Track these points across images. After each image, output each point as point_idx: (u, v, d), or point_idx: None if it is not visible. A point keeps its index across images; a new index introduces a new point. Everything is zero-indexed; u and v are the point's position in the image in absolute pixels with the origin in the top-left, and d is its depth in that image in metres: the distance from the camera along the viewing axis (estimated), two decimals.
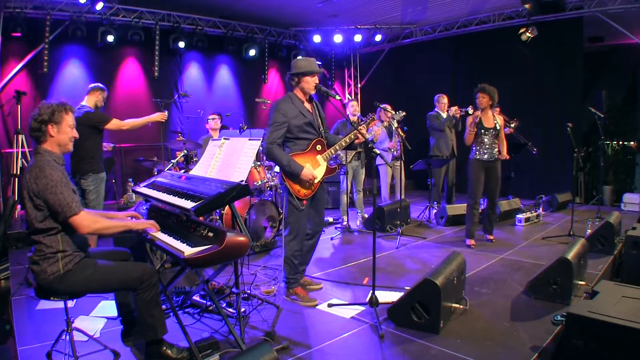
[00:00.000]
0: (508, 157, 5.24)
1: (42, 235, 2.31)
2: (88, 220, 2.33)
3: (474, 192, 5.20)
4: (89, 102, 4.42)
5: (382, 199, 6.83)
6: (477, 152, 5.12)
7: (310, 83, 3.47)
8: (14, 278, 4.04)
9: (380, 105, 5.39)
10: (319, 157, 3.53)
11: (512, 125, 7.06)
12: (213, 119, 5.95)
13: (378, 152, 3.26)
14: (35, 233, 2.32)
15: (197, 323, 3.13)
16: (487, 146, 5.09)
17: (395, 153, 6.41)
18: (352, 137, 3.60)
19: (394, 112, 5.19)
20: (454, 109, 6.27)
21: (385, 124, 6.49)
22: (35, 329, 3.03)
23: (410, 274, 4.28)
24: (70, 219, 2.28)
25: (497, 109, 7.25)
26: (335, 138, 3.67)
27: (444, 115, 6.75)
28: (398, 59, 10.53)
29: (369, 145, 3.33)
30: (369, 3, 8.08)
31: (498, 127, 5.12)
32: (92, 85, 4.56)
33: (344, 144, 3.60)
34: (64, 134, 2.43)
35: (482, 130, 5.07)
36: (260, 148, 3.28)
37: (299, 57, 3.60)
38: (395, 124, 6.49)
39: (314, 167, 3.48)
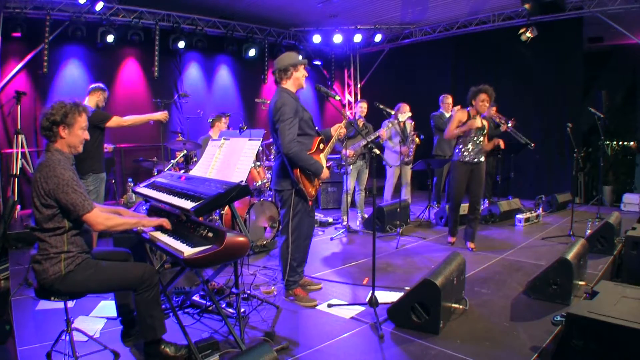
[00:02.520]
0: (490, 146, 4.95)
1: (48, 234, 2.31)
2: (102, 217, 2.36)
3: (454, 195, 4.99)
4: (90, 102, 4.46)
5: (384, 199, 6.81)
6: (461, 154, 4.87)
7: (302, 73, 3.46)
8: (14, 278, 4.04)
9: (380, 106, 5.37)
10: (321, 155, 3.54)
11: (510, 125, 7.05)
12: (225, 121, 5.87)
13: (378, 152, 3.27)
14: (42, 231, 2.32)
15: (197, 323, 3.13)
16: (473, 148, 4.84)
17: (405, 158, 6.41)
18: (337, 137, 3.74)
19: (392, 111, 5.16)
20: (457, 109, 6.27)
21: (401, 124, 6.54)
22: (35, 329, 3.03)
23: (410, 274, 4.28)
24: (84, 217, 2.29)
25: (494, 108, 7.27)
26: (327, 132, 3.75)
27: (448, 115, 6.77)
28: (398, 59, 10.53)
29: (369, 146, 3.33)
30: (369, 3, 8.09)
31: (485, 129, 4.90)
32: (93, 85, 4.60)
33: (333, 144, 3.72)
34: (75, 136, 2.43)
35: (473, 132, 4.80)
36: (260, 148, 3.28)
37: (284, 53, 3.53)
38: (411, 128, 6.50)
39: None
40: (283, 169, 3.43)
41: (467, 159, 4.85)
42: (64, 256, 2.32)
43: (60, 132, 2.39)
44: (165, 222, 2.67)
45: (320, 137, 3.56)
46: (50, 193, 2.26)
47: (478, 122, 4.79)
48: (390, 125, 6.17)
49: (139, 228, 2.68)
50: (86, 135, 2.51)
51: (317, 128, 3.61)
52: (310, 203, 3.49)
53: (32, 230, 2.38)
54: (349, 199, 6.17)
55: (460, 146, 4.89)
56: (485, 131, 4.92)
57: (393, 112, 5.94)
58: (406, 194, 6.73)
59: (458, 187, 4.96)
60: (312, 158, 3.36)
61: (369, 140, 5.57)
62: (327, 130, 3.77)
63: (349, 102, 11.27)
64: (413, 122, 6.65)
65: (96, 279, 2.39)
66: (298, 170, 3.32)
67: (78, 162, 4.23)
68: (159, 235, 2.65)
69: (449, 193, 5.10)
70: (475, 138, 4.84)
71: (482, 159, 4.90)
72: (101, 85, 4.62)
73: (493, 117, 7.20)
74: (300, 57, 3.52)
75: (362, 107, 6.10)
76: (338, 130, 3.73)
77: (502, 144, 5.10)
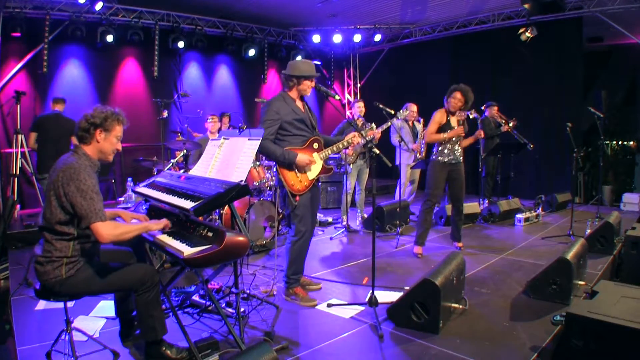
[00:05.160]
0: (468, 142, 4.94)
1: (55, 236, 2.30)
2: (110, 227, 2.26)
3: (432, 196, 4.78)
4: (59, 109, 5.32)
5: (395, 198, 6.75)
6: (439, 154, 4.76)
7: (309, 87, 3.56)
8: (14, 278, 4.04)
9: (380, 106, 5.33)
10: (315, 154, 3.54)
11: (511, 125, 7.04)
12: (212, 121, 5.89)
13: (378, 152, 3.26)
14: (50, 232, 2.30)
15: (197, 323, 3.13)
16: (450, 148, 4.74)
17: (418, 155, 6.42)
18: (345, 144, 3.68)
19: (392, 111, 5.11)
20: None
21: (410, 124, 6.55)
22: (34, 329, 3.03)
23: (409, 274, 4.28)
24: (93, 225, 2.22)
25: (495, 108, 7.26)
26: (331, 139, 3.75)
27: None
28: (397, 59, 10.53)
29: (369, 145, 3.33)
30: (369, 3, 8.09)
31: (465, 128, 4.81)
32: (58, 97, 5.53)
33: (341, 147, 3.67)
34: (109, 143, 2.42)
35: (448, 131, 4.70)
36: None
37: (299, 59, 3.66)
38: (421, 127, 6.52)
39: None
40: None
41: (445, 159, 4.75)
42: (66, 261, 2.31)
43: (97, 135, 2.38)
44: (167, 223, 2.65)
45: (314, 137, 3.58)
46: (69, 196, 2.24)
47: (461, 130, 4.72)
48: (399, 125, 6.18)
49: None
50: (119, 146, 2.49)
51: (316, 131, 3.63)
52: (297, 199, 3.45)
53: (40, 230, 2.35)
54: (349, 198, 6.16)
55: (439, 147, 4.79)
56: (466, 129, 4.84)
57: (392, 112, 5.92)
58: (412, 191, 6.79)
59: (436, 187, 4.77)
60: (282, 150, 3.41)
61: (368, 139, 5.55)
62: (334, 138, 3.79)
63: (349, 102, 11.27)
64: (422, 120, 6.68)
65: (96, 280, 2.39)
66: (279, 167, 3.46)
67: (52, 159, 4.32)
68: (158, 235, 2.65)
69: (426, 193, 4.86)
70: (453, 140, 4.75)
71: (461, 159, 4.81)
72: (63, 97, 5.59)
73: (495, 117, 7.21)
74: (310, 69, 3.52)
75: (360, 107, 6.09)
76: (351, 137, 3.66)
77: (481, 134, 5.15)
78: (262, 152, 3.46)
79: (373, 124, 4.49)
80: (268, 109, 3.48)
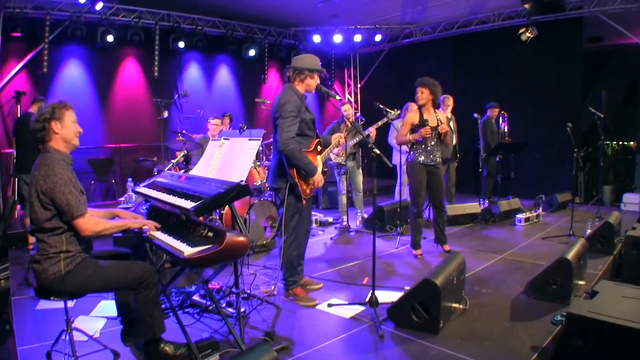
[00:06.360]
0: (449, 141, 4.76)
1: (46, 234, 2.31)
2: (91, 223, 2.35)
3: (416, 200, 4.70)
4: (33, 110, 5.15)
5: (395, 199, 6.73)
6: (416, 154, 4.62)
7: (317, 81, 3.51)
8: (14, 278, 4.04)
9: (380, 106, 5.35)
10: (318, 157, 3.55)
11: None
12: (214, 123, 5.85)
13: (378, 152, 3.26)
14: (40, 232, 2.32)
15: (197, 323, 3.13)
16: (427, 148, 4.59)
17: None
18: (336, 144, 3.73)
19: (391, 111, 5.11)
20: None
21: (392, 118, 6.51)
22: (35, 329, 3.03)
23: (410, 274, 4.28)
24: (74, 221, 2.29)
25: (496, 110, 7.26)
26: (327, 140, 3.75)
27: (449, 116, 6.75)
28: (398, 59, 10.53)
29: (369, 145, 3.32)
30: (369, 3, 8.08)
31: (439, 125, 4.60)
32: (37, 97, 5.47)
33: (332, 148, 3.74)
34: (67, 129, 2.43)
35: (419, 130, 4.51)
36: (260, 148, 3.29)
37: (307, 54, 3.58)
38: None
39: None
40: (280, 167, 3.43)
41: (419, 159, 4.61)
42: (63, 256, 2.33)
43: (53, 127, 2.39)
44: (150, 223, 2.67)
45: (318, 140, 3.57)
46: (47, 192, 2.26)
47: (428, 129, 4.49)
48: (399, 125, 6.17)
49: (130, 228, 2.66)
50: (79, 128, 2.51)
51: (317, 131, 3.62)
52: (304, 202, 3.44)
53: (32, 232, 2.38)
54: (344, 199, 6.16)
55: (416, 147, 4.64)
56: (439, 129, 4.60)
57: (392, 112, 5.92)
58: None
59: (419, 191, 4.68)
60: (307, 157, 3.35)
61: (356, 141, 5.56)
62: (328, 137, 3.79)
63: (349, 102, 11.28)
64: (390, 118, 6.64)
65: (96, 278, 2.40)
66: (294, 169, 3.35)
67: (29, 162, 4.32)
68: (159, 234, 2.65)
69: (411, 199, 4.80)
70: (428, 139, 4.57)
71: (439, 159, 4.67)
72: (43, 97, 5.51)
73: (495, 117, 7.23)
74: (319, 64, 3.51)
75: (348, 110, 6.00)
76: (337, 139, 3.73)
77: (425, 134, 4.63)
78: (289, 155, 3.23)
79: (360, 127, 4.49)
80: (286, 104, 3.25)
